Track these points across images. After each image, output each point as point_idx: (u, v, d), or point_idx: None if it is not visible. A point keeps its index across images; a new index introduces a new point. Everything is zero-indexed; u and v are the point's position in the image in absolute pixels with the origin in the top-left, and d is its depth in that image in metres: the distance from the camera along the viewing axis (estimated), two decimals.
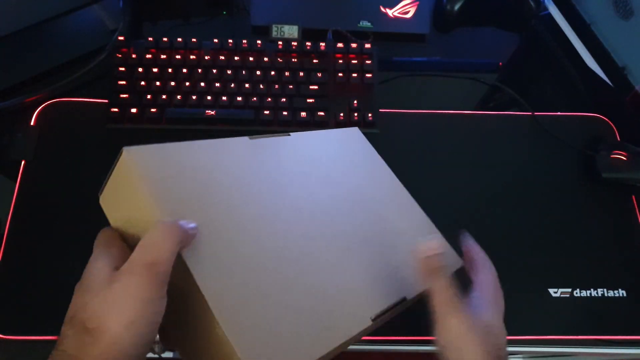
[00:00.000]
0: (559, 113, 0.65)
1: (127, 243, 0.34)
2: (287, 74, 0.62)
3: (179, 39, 0.62)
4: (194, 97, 0.60)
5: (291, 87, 0.61)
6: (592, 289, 0.55)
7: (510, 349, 0.54)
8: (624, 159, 0.60)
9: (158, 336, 0.32)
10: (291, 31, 0.67)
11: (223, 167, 0.39)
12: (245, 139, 0.44)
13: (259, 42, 0.63)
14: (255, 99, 0.60)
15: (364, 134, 0.62)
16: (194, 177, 0.36)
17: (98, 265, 0.30)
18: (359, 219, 0.44)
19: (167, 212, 0.32)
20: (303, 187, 0.43)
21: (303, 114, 0.60)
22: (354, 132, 0.55)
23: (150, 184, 0.33)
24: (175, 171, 0.35)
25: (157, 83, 0.60)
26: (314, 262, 0.38)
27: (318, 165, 0.47)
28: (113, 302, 0.28)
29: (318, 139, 0.51)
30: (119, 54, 0.61)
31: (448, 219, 0.49)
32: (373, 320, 0.37)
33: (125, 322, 0.27)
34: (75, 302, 0.30)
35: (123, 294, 0.28)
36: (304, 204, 0.41)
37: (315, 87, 0.61)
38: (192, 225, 0.31)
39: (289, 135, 0.48)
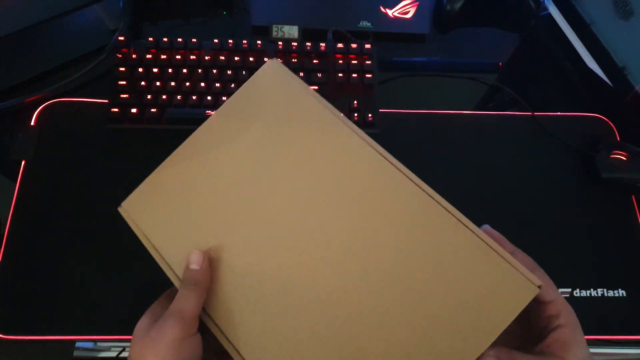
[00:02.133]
0: (559, 113, 0.65)
1: None
2: None
3: (179, 39, 0.62)
4: (194, 97, 0.60)
5: None
6: (592, 289, 0.55)
7: None
8: (624, 159, 0.60)
9: None
10: (291, 31, 0.67)
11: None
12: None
13: (259, 42, 0.63)
14: None
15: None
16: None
17: (142, 321, 0.36)
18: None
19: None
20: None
21: None
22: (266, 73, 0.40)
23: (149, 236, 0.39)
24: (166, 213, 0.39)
25: (158, 83, 0.60)
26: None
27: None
28: (150, 344, 0.33)
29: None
30: (119, 54, 0.61)
31: None
32: None
33: (160, 357, 0.32)
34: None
35: (158, 337, 0.33)
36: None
37: (316, 87, 0.62)
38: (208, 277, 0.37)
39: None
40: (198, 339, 0.35)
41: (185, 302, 0.35)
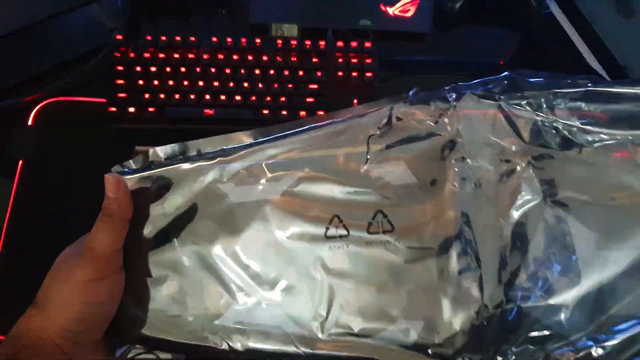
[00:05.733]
0: None
1: None
2: (286, 72, 0.61)
3: (178, 38, 0.62)
4: (192, 96, 0.59)
5: (290, 86, 0.61)
6: None
7: None
8: None
9: None
10: (290, 30, 0.66)
11: None
12: None
13: (258, 40, 0.62)
14: (254, 98, 0.60)
15: None
16: None
17: (64, 252, 0.33)
18: None
19: None
20: None
21: (302, 113, 0.60)
22: None
23: None
24: None
25: (156, 82, 0.60)
26: None
27: None
28: (56, 284, 0.31)
29: None
30: (118, 53, 0.61)
31: None
32: None
33: (63, 299, 0.30)
34: None
35: (66, 277, 0.30)
36: None
37: (315, 86, 0.61)
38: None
39: None
40: (117, 280, 0.32)
41: (98, 240, 0.31)
